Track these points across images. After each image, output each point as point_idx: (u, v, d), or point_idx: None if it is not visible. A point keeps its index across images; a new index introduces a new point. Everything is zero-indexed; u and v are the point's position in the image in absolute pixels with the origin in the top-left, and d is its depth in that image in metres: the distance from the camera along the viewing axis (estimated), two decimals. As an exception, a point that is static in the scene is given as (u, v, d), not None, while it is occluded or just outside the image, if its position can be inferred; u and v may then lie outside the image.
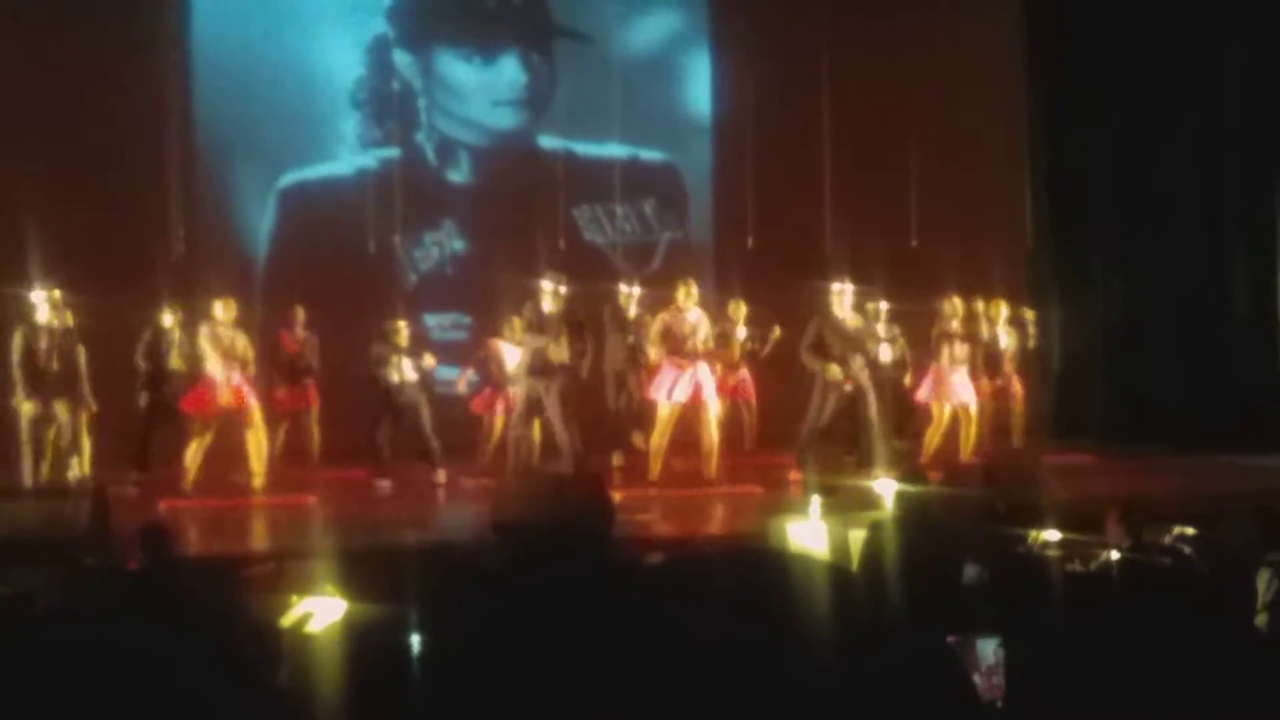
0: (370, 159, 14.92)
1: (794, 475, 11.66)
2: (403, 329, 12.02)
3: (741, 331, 12.82)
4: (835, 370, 11.61)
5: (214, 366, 11.08)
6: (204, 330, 11.18)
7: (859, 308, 11.98)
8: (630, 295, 12.78)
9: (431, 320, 14.56)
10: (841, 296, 11.81)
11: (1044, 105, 15.20)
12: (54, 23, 13.45)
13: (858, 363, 11.72)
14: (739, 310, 12.91)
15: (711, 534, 9.87)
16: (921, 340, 12.66)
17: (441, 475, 11.99)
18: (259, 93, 14.42)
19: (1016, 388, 13.16)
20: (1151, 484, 11.50)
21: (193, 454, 11.11)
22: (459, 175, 15.27)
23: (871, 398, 11.78)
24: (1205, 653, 3.44)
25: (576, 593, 2.56)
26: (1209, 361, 13.80)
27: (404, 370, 11.84)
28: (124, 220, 13.35)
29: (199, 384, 11.23)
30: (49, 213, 12.11)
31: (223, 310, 11.25)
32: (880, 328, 12.33)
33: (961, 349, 12.54)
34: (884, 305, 12.42)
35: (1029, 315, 13.41)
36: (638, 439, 12.48)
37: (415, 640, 2.70)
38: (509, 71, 15.32)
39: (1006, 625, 3.93)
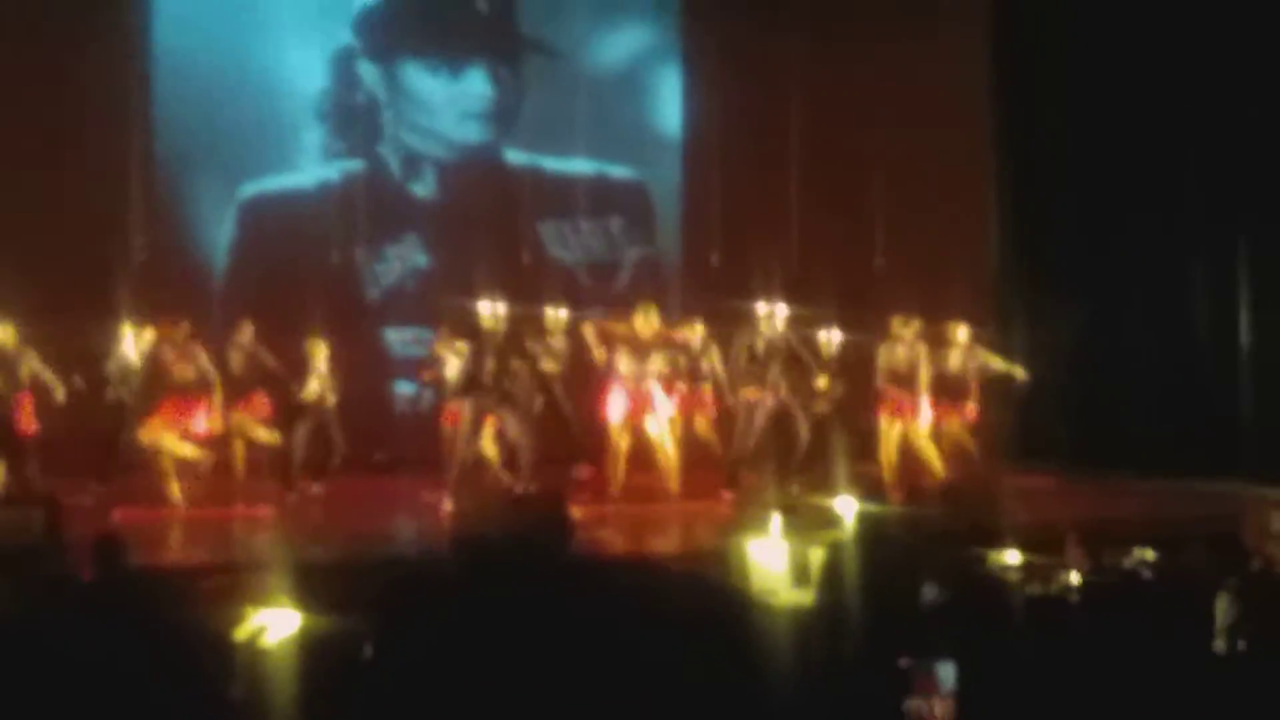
0: (333, 171, 14.73)
1: (726, 494, 11.78)
2: (319, 348, 12.03)
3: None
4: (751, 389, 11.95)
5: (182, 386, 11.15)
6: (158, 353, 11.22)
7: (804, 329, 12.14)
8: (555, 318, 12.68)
9: (393, 335, 14.47)
10: (770, 318, 12.06)
11: (1010, 127, 15.28)
12: (11, 26, 13.26)
13: (777, 380, 11.90)
14: (694, 330, 12.82)
15: (669, 552, 9.89)
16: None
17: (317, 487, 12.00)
18: (221, 102, 14.21)
19: (970, 412, 12.96)
20: (1112, 507, 11.54)
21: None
22: (423, 189, 15.12)
23: (801, 417, 12.04)
24: (1163, 675, 3.44)
25: (531, 608, 2.54)
26: (1172, 385, 13.87)
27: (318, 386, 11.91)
28: (81, 231, 13.15)
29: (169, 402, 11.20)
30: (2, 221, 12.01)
31: (173, 331, 11.33)
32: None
33: (913, 370, 12.48)
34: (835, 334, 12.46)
35: (991, 338, 13.38)
36: (581, 471, 12.56)
37: (370, 652, 2.66)
38: (476, 84, 15.20)
39: (965, 647, 3.92)
